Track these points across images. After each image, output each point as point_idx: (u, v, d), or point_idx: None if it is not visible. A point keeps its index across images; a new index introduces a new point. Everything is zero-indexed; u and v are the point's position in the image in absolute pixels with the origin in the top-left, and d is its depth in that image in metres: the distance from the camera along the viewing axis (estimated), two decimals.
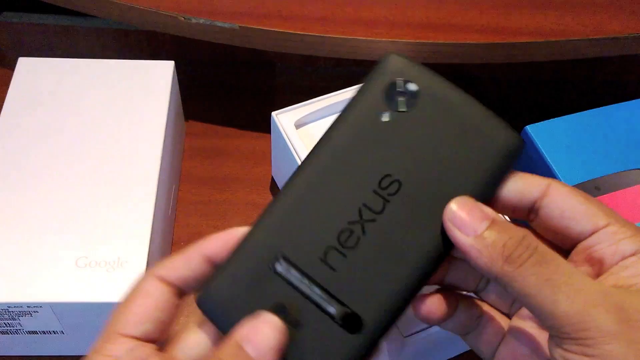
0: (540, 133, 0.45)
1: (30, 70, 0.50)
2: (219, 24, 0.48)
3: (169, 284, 0.27)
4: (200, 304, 0.26)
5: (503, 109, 0.63)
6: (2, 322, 0.40)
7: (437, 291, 0.28)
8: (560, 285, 0.23)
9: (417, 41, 0.48)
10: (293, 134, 0.45)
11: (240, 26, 0.48)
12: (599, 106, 0.47)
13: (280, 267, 0.26)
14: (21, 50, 0.61)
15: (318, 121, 0.47)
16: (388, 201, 0.26)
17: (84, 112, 0.48)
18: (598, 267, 0.26)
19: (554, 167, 0.43)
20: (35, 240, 0.41)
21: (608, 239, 0.26)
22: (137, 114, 0.48)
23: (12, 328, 0.41)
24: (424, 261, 0.26)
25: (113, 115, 0.47)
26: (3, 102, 0.48)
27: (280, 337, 0.24)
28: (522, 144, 0.27)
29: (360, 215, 0.26)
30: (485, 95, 0.65)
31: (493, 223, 0.25)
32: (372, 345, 0.25)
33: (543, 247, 0.24)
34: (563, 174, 0.43)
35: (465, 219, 0.25)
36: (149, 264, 0.40)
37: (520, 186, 0.27)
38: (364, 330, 0.25)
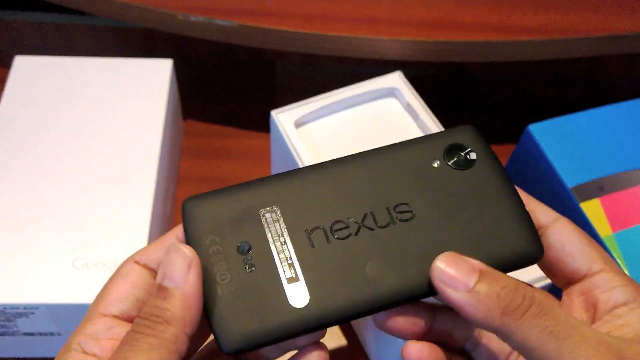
0: (543, 132, 0.45)
1: (27, 69, 0.49)
2: (218, 22, 0.48)
3: (145, 266, 0.28)
4: (183, 206, 0.27)
5: (505, 107, 0.63)
6: None
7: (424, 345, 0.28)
8: (564, 338, 0.23)
9: (418, 39, 0.48)
10: (293, 133, 0.44)
11: (239, 24, 0.48)
12: (602, 105, 0.47)
13: (269, 215, 0.27)
14: (18, 49, 0.61)
15: (318, 120, 0.46)
16: (394, 223, 0.27)
17: (81, 111, 0.47)
18: (592, 313, 0.26)
19: (556, 167, 0.43)
20: (32, 241, 0.40)
21: (603, 285, 0.26)
22: (135, 113, 0.47)
23: (8, 330, 0.41)
24: (395, 291, 0.26)
25: (110, 114, 0.47)
26: None
27: (190, 256, 0.25)
28: (541, 256, 0.27)
29: (363, 219, 0.27)
30: (487, 94, 0.65)
31: (482, 275, 0.24)
32: (306, 327, 0.26)
33: (539, 296, 0.24)
34: (566, 174, 0.43)
35: (454, 275, 0.25)
36: None
37: (531, 210, 0.28)
38: (305, 309, 0.25)
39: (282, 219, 0.27)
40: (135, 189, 0.43)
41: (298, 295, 0.26)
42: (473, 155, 0.29)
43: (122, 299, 0.27)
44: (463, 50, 0.49)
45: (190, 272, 0.25)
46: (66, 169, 0.44)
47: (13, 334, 0.41)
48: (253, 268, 0.26)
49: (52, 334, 0.41)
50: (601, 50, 0.49)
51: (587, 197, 0.42)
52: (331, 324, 0.26)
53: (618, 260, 0.39)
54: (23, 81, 0.49)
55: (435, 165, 0.28)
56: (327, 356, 0.27)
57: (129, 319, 0.27)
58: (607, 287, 0.26)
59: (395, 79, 0.47)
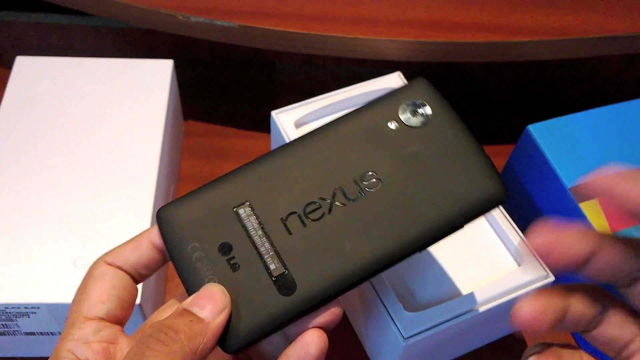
0: (543, 132, 0.45)
1: (28, 69, 0.50)
2: (219, 22, 0.48)
3: (119, 268, 0.27)
4: (157, 216, 0.28)
5: (504, 108, 0.63)
6: (0, 323, 0.40)
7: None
8: None
9: (418, 40, 0.48)
10: (293, 134, 0.44)
11: (239, 25, 0.48)
12: (601, 105, 0.47)
13: (243, 211, 0.27)
14: (19, 49, 0.61)
15: (318, 120, 0.46)
16: (363, 194, 0.27)
17: (82, 112, 0.47)
18: None
19: (555, 167, 0.43)
20: (33, 240, 0.40)
21: None
22: (135, 114, 0.47)
23: (9, 329, 0.41)
24: (372, 261, 0.27)
25: (111, 115, 0.47)
26: (0, 101, 0.47)
27: (227, 303, 0.25)
28: (505, 199, 0.28)
29: (333, 196, 0.27)
30: (486, 94, 0.65)
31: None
32: (298, 312, 0.26)
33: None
34: (565, 174, 0.43)
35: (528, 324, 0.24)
36: None
37: (621, 263, 0.24)
38: (294, 295, 0.26)
39: (255, 212, 0.27)
40: (136, 189, 0.43)
41: (285, 285, 0.26)
42: (428, 110, 0.29)
43: (105, 300, 0.27)
44: (462, 51, 0.49)
45: (222, 314, 0.25)
46: (67, 169, 0.44)
47: (14, 333, 0.41)
48: (238, 267, 0.26)
49: (53, 334, 0.41)
50: (601, 50, 0.49)
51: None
52: (321, 304, 0.26)
53: None
54: (24, 81, 0.49)
55: (392, 127, 0.28)
56: (323, 335, 0.27)
57: (115, 320, 0.27)
58: None
59: (395, 79, 0.47)
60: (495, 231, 0.41)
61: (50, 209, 0.42)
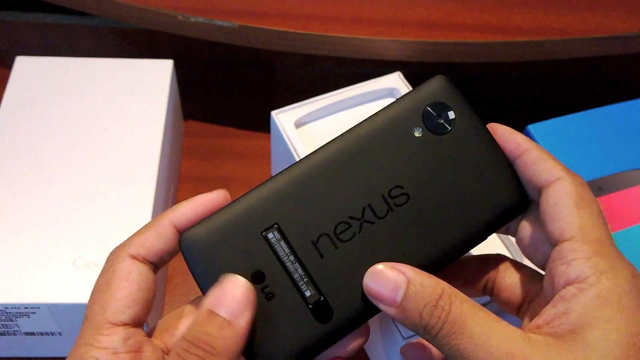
0: (543, 132, 0.45)
1: (28, 69, 0.50)
2: (218, 22, 0.48)
3: (143, 261, 0.26)
4: (182, 243, 0.26)
5: (504, 108, 0.63)
6: (0, 323, 0.40)
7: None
8: (469, 355, 0.23)
9: (418, 40, 0.48)
10: (293, 134, 0.44)
11: (239, 25, 0.48)
12: (601, 105, 0.47)
13: (272, 236, 0.26)
14: (19, 49, 0.61)
15: (318, 121, 0.46)
16: (392, 210, 0.27)
17: (82, 112, 0.47)
18: (551, 286, 0.25)
19: None
20: (33, 240, 0.40)
21: (564, 256, 0.24)
22: (135, 114, 0.47)
23: (9, 329, 0.41)
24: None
25: (111, 115, 0.47)
26: (0, 101, 0.47)
27: (251, 294, 0.24)
28: (527, 205, 0.28)
29: (363, 214, 0.27)
30: (486, 94, 0.65)
31: (408, 287, 0.24)
32: (335, 338, 0.26)
33: (455, 310, 0.24)
34: None
35: (381, 292, 0.25)
36: None
37: (534, 168, 0.27)
38: (331, 321, 0.26)
39: (285, 235, 0.26)
40: (136, 189, 0.43)
41: (322, 312, 0.26)
42: (452, 114, 0.28)
43: (132, 305, 0.25)
44: (462, 51, 0.49)
45: (248, 309, 0.24)
46: (67, 169, 0.44)
47: (14, 333, 0.41)
48: (272, 295, 0.26)
49: (53, 334, 0.41)
50: (600, 50, 0.49)
51: None
52: (360, 324, 0.26)
53: None
54: (24, 82, 0.49)
55: (417, 134, 0.28)
56: (366, 338, 0.27)
57: (139, 324, 0.26)
58: (567, 258, 0.24)
59: (395, 80, 0.47)
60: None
61: (50, 209, 0.42)
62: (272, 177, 0.27)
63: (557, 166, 0.26)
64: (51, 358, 0.44)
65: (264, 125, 0.49)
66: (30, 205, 0.42)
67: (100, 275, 0.26)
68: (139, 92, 0.49)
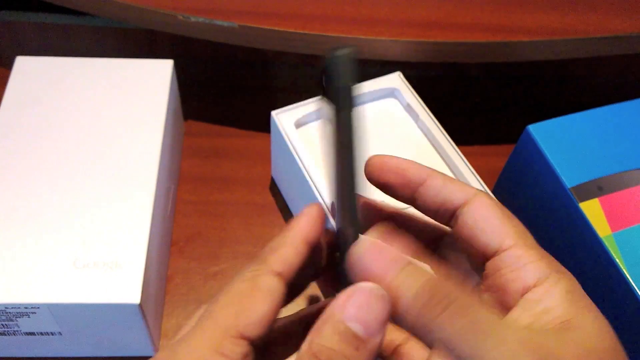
0: (542, 133, 0.45)
1: (28, 69, 0.50)
2: (218, 22, 0.48)
3: (284, 279, 0.24)
4: None
5: (504, 108, 0.63)
6: (0, 323, 0.40)
7: None
8: (481, 338, 0.21)
9: (418, 40, 0.48)
10: (293, 134, 0.44)
11: (239, 25, 0.48)
12: (601, 105, 0.47)
13: None
14: (19, 49, 0.61)
15: (318, 121, 0.46)
16: None
17: (82, 112, 0.47)
18: (502, 295, 0.24)
19: (555, 167, 0.43)
20: (33, 240, 0.40)
21: (512, 263, 0.24)
22: (135, 113, 0.47)
23: (9, 329, 0.41)
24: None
25: (111, 115, 0.47)
26: (0, 101, 0.47)
27: (390, 307, 0.22)
28: (354, 51, 0.25)
29: None
30: (486, 94, 0.65)
31: (404, 268, 0.23)
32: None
33: (461, 294, 0.22)
34: (565, 174, 0.43)
35: (372, 269, 0.23)
36: (147, 265, 0.40)
37: (446, 190, 0.26)
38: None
39: None
40: (136, 189, 0.43)
41: None
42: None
43: (266, 324, 0.23)
44: (463, 51, 0.49)
45: (385, 326, 0.22)
46: (67, 169, 0.44)
47: (14, 333, 0.41)
48: None
49: (53, 334, 0.41)
50: (601, 50, 0.49)
51: (586, 197, 0.42)
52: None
53: (617, 260, 0.39)
54: (24, 81, 0.49)
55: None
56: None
57: (257, 345, 0.23)
58: (516, 265, 0.24)
59: (395, 80, 0.47)
60: None
61: (50, 209, 0.42)
62: None
63: (466, 186, 0.26)
64: (51, 358, 0.44)
65: (264, 125, 0.49)
66: (30, 205, 0.42)
67: (237, 282, 0.24)
68: (139, 92, 0.49)
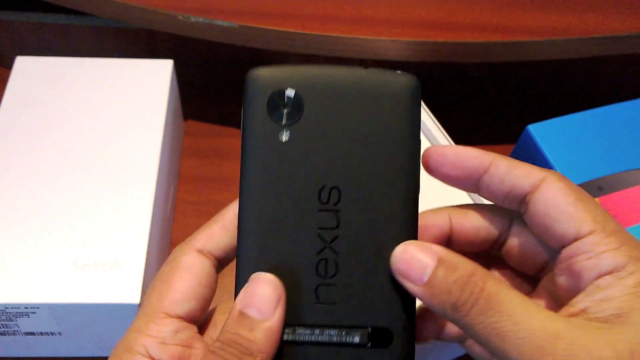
0: (542, 133, 0.45)
1: (27, 69, 0.49)
2: (218, 22, 0.48)
3: (208, 256, 0.26)
4: None
5: (504, 108, 0.63)
6: (0, 323, 0.40)
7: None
8: (507, 334, 0.22)
9: (418, 40, 0.48)
10: None
11: (239, 25, 0.48)
12: (601, 105, 0.47)
13: (287, 335, 0.25)
14: (19, 49, 0.61)
15: None
16: (338, 210, 0.25)
17: (81, 112, 0.47)
18: (577, 281, 0.24)
19: (555, 167, 0.43)
20: (33, 240, 0.40)
21: (589, 250, 0.23)
22: (135, 114, 0.47)
23: (9, 329, 0.41)
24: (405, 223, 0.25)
25: (111, 115, 0.47)
26: (0, 101, 0.47)
27: (280, 291, 0.24)
28: (418, 81, 0.25)
29: (324, 240, 0.25)
30: (486, 94, 0.65)
31: (438, 264, 0.23)
32: (411, 346, 0.25)
33: (490, 287, 0.23)
34: (565, 173, 0.43)
35: (408, 270, 0.24)
36: (147, 265, 0.40)
37: (510, 177, 0.25)
38: (395, 337, 0.25)
39: (293, 324, 0.25)
40: (136, 189, 0.43)
41: (380, 337, 0.25)
42: (290, 92, 0.25)
43: (190, 299, 0.25)
44: (462, 51, 0.49)
45: (279, 307, 0.24)
46: (67, 169, 0.44)
47: (14, 333, 0.41)
48: None
49: (53, 334, 0.41)
50: (600, 50, 0.49)
51: None
52: (414, 315, 0.25)
53: None
54: (24, 82, 0.49)
55: (285, 138, 0.25)
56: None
57: (194, 320, 0.25)
58: (594, 252, 0.23)
59: None
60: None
61: (50, 209, 0.42)
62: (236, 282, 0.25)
63: (532, 168, 0.25)
64: (51, 358, 0.44)
65: None
66: (30, 205, 0.42)
67: (163, 266, 0.26)
68: (139, 92, 0.49)
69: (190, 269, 0.25)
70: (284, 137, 0.25)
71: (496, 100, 0.64)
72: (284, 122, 0.25)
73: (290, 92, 0.25)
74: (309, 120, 0.25)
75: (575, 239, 0.24)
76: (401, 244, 0.24)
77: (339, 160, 0.25)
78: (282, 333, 0.24)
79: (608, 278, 0.23)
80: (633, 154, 0.44)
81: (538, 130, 0.45)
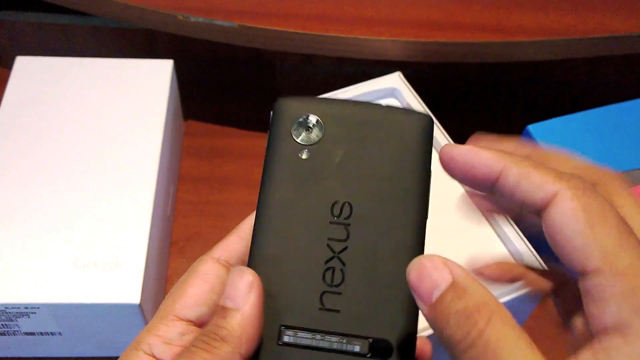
0: (542, 133, 0.45)
1: (28, 69, 0.50)
2: (218, 22, 0.48)
3: (225, 264, 0.27)
4: None
5: (504, 108, 0.63)
6: (0, 323, 0.40)
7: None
8: None
9: (418, 40, 0.48)
10: None
11: (239, 25, 0.48)
12: (600, 105, 0.47)
13: (288, 337, 0.25)
14: (19, 49, 0.61)
15: None
16: (349, 224, 0.26)
17: (82, 112, 0.47)
18: (589, 320, 0.21)
19: None
20: (33, 240, 0.40)
21: (593, 294, 0.20)
22: (135, 113, 0.47)
23: (9, 329, 0.41)
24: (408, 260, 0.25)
25: (111, 115, 0.47)
26: (0, 101, 0.47)
27: (251, 279, 0.24)
28: (431, 120, 0.27)
29: (332, 250, 0.26)
30: (486, 94, 0.65)
31: (448, 289, 0.21)
32: (410, 359, 0.25)
33: (492, 334, 0.20)
34: None
35: (419, 288, 0.22)
36: (147, 265, 0.40)
37: (521, 189, 0.22)
38: (394, 350, 0.25)
39: (294, 327, 0.25)
40: (136, 189, 0.43)
41: (379, 348, 0.25)
42: (313, 118, 0.27)
43: (201, 304, 0.26)
44: (462, 51, 0.49)
45: (251, 294, 0.24)
46: (67, 169, 0.44)
47: (14, 333, 0.41)
48: None
49: (53, 334, 0.41)
50: (600, 50, 0.49)
51: None
52: (415, 329, 0.26)
53: None
54: (24, 82, 0.49)
55: (305, 156, 0.27)
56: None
57: (202, 325, 0.26)
58: (598, 297, 0.20)
59: (395, 79, 0.47)
60: (495, 232, 0.41)
61: (50, 209, 0.42)
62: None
63: (546, 176, 0.22)
64: (51, 358, 0.44)
65: (264, 125, 0.49)
66: (30, 206, 0.42)
67: (184, 274, 0.27)
68: (139, 92, 0.49)
69: (206, 276, 0.26)
70: (304, 155, 0.27)
71: (496, 100, 0.64)
72: (304, 142, 0.27)
73: (313, 118, 0.27)
74: (328, 143, 0.27)
75: (582, 273, 0.21)
76: (423, 256, 0.23)
77: (353, 179, 0.27)
78: (280, 329, 0.25)
79: (615, 339, 0.19)
80: (633, 154, 0.44)
81: (538, 130, 0.45)
